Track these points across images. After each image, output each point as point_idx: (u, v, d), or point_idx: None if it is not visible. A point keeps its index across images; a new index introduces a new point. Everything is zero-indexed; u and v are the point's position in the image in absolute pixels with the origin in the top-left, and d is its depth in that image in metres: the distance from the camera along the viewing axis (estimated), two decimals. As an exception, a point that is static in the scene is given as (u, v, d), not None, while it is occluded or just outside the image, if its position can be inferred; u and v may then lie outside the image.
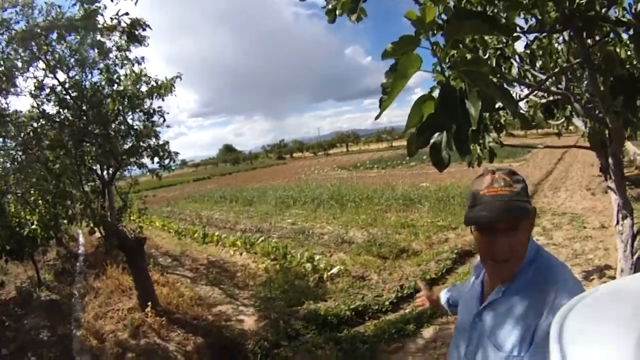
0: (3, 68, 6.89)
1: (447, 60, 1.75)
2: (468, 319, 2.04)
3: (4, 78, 6.96)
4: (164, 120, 9.46)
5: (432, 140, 1.76)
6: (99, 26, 7.35)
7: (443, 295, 2.95)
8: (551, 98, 3.99)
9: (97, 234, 9.21)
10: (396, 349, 6.67)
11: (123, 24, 7.59)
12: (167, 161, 9.12)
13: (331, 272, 9.94)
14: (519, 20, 2.91)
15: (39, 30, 6.85)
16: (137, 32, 7.86)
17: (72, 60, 7.71)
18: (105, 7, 7.18)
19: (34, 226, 9.55)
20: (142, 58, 8.76)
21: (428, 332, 7.00)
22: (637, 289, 0.83)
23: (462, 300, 2.28)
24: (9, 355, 7.82)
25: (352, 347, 6.63)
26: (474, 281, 2.19)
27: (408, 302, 8.29)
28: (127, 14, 7.50)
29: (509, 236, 1.80)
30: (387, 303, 8.16)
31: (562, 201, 15.56)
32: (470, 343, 1.98)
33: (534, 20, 2.82)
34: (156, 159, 9.05)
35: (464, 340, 2.04)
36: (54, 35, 7.17)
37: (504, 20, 2.62)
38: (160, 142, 9.20)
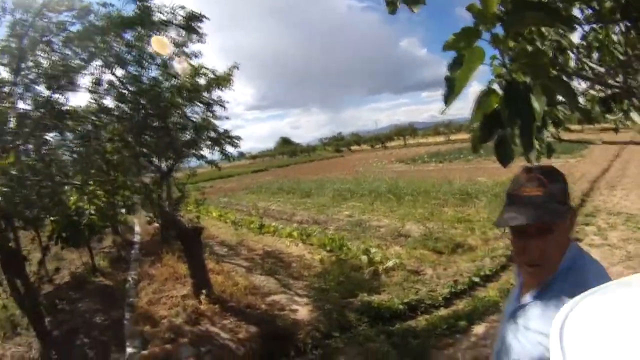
0: (61, 67, 7.06)
1: (507, 53, 1.72)
2: (506, 318, 2.02)
3: (62, 77, 7.14)
4: (225, 109, 9.56)
5: (496, 135, 1.74)
6: (155, 21, 7.48)
7: None
8: (609, 92, 3.89)
9: (155, 223, 9.38)
10: (447, 344, 6.63)
11: (179, 18, 7.70)
12: (229, 148, 9.20)
13: (386, 265, 9.90)
14: (575, 11, 2.84)
15: (96, 29, 7.00)
16: (194, 25, 7.95)
17: (129, 56, 7.84)
18: (164, 6, 7.32)
19: (92, 215, 9.77)
20: (199, 52, 8.86)
21: (479, 329, 6.93)
22: (639, 288, 0.82)
23: (509, 297, 2.21)
24: (60, 336, 8.05)
25: (404, 341, 6.63)
26: (517, 281, 2.11)
27: (461, 298, 8.25)
28: (182, 7, 7.60)
29: (542, 240, 1.76)
30: (440, 298, 8.11)
31: (617, 200, 15.08)
32: (505, 342, 1.95)
33: (590, 10, 2.75)
34: (217, 148, 9.15)
35: (502, 338, 2.02)
36: (111, 34, 7.32)
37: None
38: (220, 132, 9.30)
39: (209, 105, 9.26)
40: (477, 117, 1.72)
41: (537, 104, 1.52)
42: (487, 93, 1.70)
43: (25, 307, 7.44)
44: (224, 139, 9.10)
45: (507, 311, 2.07)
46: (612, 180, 19.29)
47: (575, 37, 3.76)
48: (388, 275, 9.59)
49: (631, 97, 3.49)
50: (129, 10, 7.23)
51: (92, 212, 9.11)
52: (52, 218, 9.64)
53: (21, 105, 7.29)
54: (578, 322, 0.79)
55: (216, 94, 9.29)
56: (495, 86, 1.74)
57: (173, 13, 7.59)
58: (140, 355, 6.88)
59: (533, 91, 1.55)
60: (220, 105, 9.40)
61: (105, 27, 7.07)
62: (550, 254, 1.79)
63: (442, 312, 7.76)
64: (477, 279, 8.78)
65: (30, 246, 9.86)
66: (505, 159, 1.76)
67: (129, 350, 7.09)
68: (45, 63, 7.18)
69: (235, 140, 9.24)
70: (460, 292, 8.40)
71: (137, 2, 7.14)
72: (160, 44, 7.86)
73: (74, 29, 7.08)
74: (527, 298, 1.88)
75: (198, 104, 9.19)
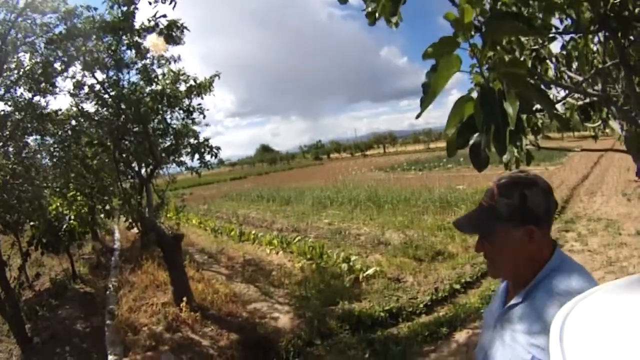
0: (42, 69, 7.05)
1: (485, 62, 1.75)
2: (491, 322, 2.05)
3: (43, 78, 7.13)
4: (204, 117, 9.56)
5: (471, 141, 1.77)
6: (136, 27, 7.50)
7: None
8: (588, 100, 3.93)
9: (135, 230, 9.32)
10: (429, 351, 6.65)
11: (160, 26, 7.72)
12: (208, 157, 9.18)
13: (367, 273, 9.91)
14: (555, 21, 2.88)
15: (76, 33, 7.01)
16: (174, 34, 7.97)
17: (110, 60, 7.85)
18: (137, 9, 7.33)
19: (71, 221, 9.71)
20: (179, 57, 8.88)
21: (461, 335, 6.95)
22: (638, 288, 0.83)
23: (489, 305, 2.27)
24: (41, 343, 7.96)
25: (385, 349, 6.64)
26: (501, 286, 2.18)
27: (442, 305, 8.27)
28: (164, 16, 7.62)
29: (484, 245, 1.92)
30: (421, 305, 8.13)
31: (597, 206, 15.26)
32: (492, 346, 1.97)
33: (569, 20, 2.79)
34: (197, 156, 9.13)
35: (487, 343, 2.04)
36: (92, 38, 7.33)
37: (539, 21, 2.61)
38: (200, 141, 9.29)
39: (189, 112, 9.26)
40: (452, 124, 1.74)
41: (511, 109, 1.55)
42: (464, 100, 1.72)
43: (6, 313, 7.37)
44: (203, 147, 9.09)
45: (489, 318, 2.11)
46: (591, 187, 19.53)
47: (556, 47, 3.80)
48: (369, 283, 9.59)
49: (610, 106, 3.54)
50: (112, 14, 7.27)
51: (72, 217, 9.05)
52: (32, 223, 9.57)
53: (1, 106, 7.28)
54: (578, 322, 0.79)
55: (196, 101, 9.30)
56: (474, 94, 1.76)
57: (155, 21, 7.61)
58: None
59: (507, 97, 1.58)
60: (200, 113, 9.40)
61: (87, 30, 7.07)
62: (493, 259, 1.94)
63: (424, 319, 7.77)
64: (457, 286, 8.82)
65: (10, 251, 9.74)
66: (479, 164, 1.78)
67: (110, 357, 7.00)
68: (27, 64, 7.17)
69: (215, 150, 9.22)
70: (441, 299, 8.42)
71: (121, 8, 7.15)
72: (156, 43, 7.88)
73: (57, 31, 7.08)
74: (514, 300, 1.91)
75: (178, 110, 9.19)
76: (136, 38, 7.75)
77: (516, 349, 1.78)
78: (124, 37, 7.64)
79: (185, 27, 8.02)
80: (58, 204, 8.48)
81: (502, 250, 1.87)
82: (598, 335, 0.73)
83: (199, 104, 9.43)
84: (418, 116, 1.75)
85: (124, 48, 7.90)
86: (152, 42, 7.84)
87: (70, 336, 8.31)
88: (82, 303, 10.17)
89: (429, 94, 1.65)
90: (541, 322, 1.69)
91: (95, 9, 7.30)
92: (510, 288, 2.05)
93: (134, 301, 9.23)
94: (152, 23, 7.63)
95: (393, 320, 7.79)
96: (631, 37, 2.71)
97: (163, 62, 8.76)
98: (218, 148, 9.27)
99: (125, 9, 7.16)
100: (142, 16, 7.82)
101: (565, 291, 1.68)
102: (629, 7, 2.36)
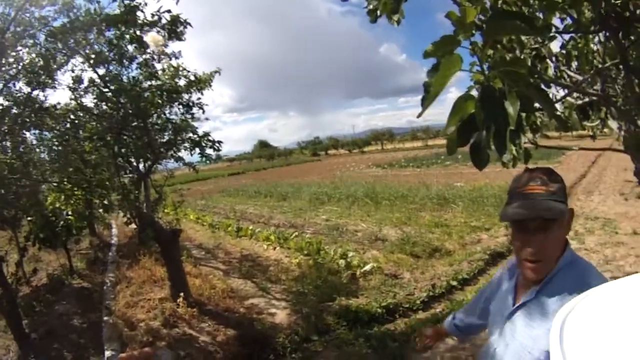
0: (42, 62, 7.04)
1: (486, 60, 1.76)
2: (501, 320, 2.05)
3: (43, 72, 7.11)
4: (204, 112, 9.54)
5: (472, 140, 1.78)
6: (139, 22, 7.47)
7: (449, 322, 2.96)
8: (587, 99, 3.94)
9: (133, 225, 9.30)
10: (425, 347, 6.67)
11: (164, 21, 7.70)
12: (209, 151, 9.15)
13: (364, 269, 9.92)
14: (555, 20, 2.89)
15: (77, 26, 6.98)
16: (177, 29, 7.96)
17: (111, 54, 7.83)
18: (146, 4, 7.30)
19: (69, 216, 9.69)
20: (179, 52, 8.87)
21: (458, 332, 6.97)
22: (638, 288, 0.83)
23: (495, 301, 2.27)
24: (38, 339, 7.95)
25: (382, 344, 6.65)
26: (508, 282, 2.17)
27: (439, 301, 8.33)
28: (169, 11, 7.60)
29: (542, 235, 1.82)
30: (418, 302, 8.17)
31: (595, 205, 15.27)
32: (501, 343, 1.99)
33: (570, 19, 2.80)
34: (197, 150, 9.11)
35: (496, 339, 2.05)
36: (93, 31, 7.31)
37: (540, 21, 2.62)
38: (200, 135, 9.27)
39: (188, 107, 9.25)
40: (453, 122, 1.75)
41: (511, 109, 1.56)
42: (465, 98, 1.73)
43: (3, 309, 7.36)
44: (205, 142, 9.07)
45: (498, 317, 2.13)
46: (589, 186, 19.60)
47: (556, 46, 3.81)
48: (366, 279, 9.60)
49: (609, 106, 3.55)
50: (113, 8, 7.25)
51: (69, 212, 9.04)
52: (29, 218, 9.56)
53: (0, 100, 7.26)
54: (578, 322, 0.80)
55: (196, 95, 9.28)
56: (474, 92, 1.77)
57: (159, 16, 7.59)
58: (119, 357, 6.85)
59: (507, 97, 1.59)
60: (200, 108, 9.38)
61: (88, 23, 7.06)
62: (550, 250, 1.85)
63: (421, 315, 7.83)
64: (454, 283, 8.88)
65: (8, 247, 9.75)
66: (480, 162, 1.79)
67: (107, 353, 7.02)
68: (26, 58, 7.15)
69: (217, 145, 9.20)
70: (438, 296, 8.48)
71: (124, 1, 7.13)
72: (156, 39, 7.89)
73: (56, 24, 7.06)
74: (526, 296, 1.93)
75: (177, 105, 9.17)
76: (138, 32, 7.74)
77: (524, 350, 1.81)
78: (126, 31, 7.63)
79: (189, 24, 8.02)
80: (54, 198, 8.47)
81: (557, 237, 1.86)
82: (598, 335, 0.74)
83: (199, 99, 9.42)
84: (419, 115, 1.76)
85: (126, 43, 7.90)
86: (152, 37, 7.83)
87: (68, 332, 8.30)
88: (79, 298, 10.16)
89: (430, 93, 1.66)
90: (550, 322, 1.69)
91: (98, 2, 7.29)
92: (520, 283, 2.07)
93: (131, 297, 9.22)
94: (156, 18, 7.61)
95: (390, 317, 7.82)
96: (632, 38, 2.72)
97: (163, 57, 8.73)
98: (220, 142, 9.25)
99: (129, 2, 7.14)
100: (145, 11, 7.73)
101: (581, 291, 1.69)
102: (630, 7, 2.37)
